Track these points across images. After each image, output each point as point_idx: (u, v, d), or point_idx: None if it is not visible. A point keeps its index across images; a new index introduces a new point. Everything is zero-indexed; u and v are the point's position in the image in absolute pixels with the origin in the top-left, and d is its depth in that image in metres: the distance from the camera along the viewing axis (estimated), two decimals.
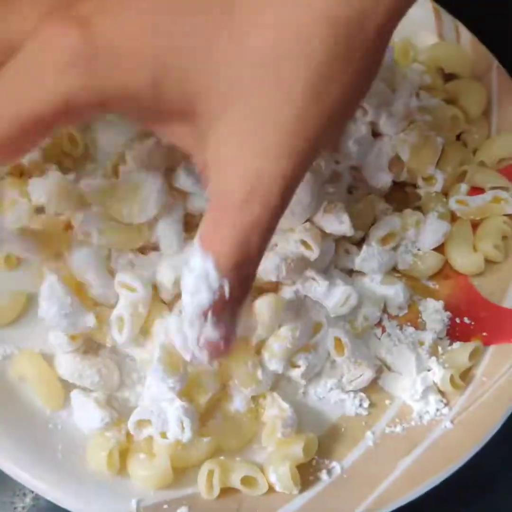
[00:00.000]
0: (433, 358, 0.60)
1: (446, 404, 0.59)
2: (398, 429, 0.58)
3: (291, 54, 0.38)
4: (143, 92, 0.39)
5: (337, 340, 0.58)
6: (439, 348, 0.61)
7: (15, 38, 0.41)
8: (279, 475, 0.54)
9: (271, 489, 0.55)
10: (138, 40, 0.38)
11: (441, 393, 0.59)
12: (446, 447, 0.57)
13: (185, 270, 0.44)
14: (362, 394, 0.59)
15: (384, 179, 0.62)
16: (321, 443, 0.57)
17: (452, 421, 0.58)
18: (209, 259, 0.42)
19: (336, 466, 0.57)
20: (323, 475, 0.56)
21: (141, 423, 0.54)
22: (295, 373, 0.57)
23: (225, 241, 0.41)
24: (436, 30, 0.70)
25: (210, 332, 0.45)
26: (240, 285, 0.43)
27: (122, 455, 0.55)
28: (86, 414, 0.55)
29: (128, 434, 0.55)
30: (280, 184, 0.40)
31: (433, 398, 0.59)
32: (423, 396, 0.59)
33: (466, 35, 0.70)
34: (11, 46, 0.41)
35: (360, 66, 0.39)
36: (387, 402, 0.60)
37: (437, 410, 0.59)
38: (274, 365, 0.57)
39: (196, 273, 0.43)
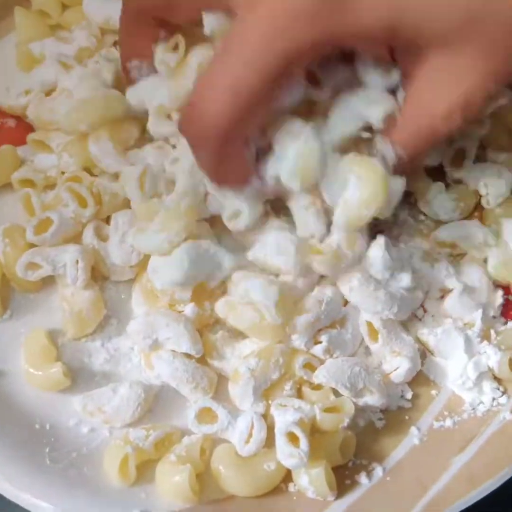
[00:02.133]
0: (485, 341, 0.51)
1: (504, 392, 0.50)
2: (448, 423, 0.50)
3: None
4: (377, 34, 0.43)
5: (370, 325, 0.50)
6: (491, 331, 0.52)
7: None
8: (312, 478, 0.45)
9: (302, 495, 0.46)
10: None
11: (497, 380, 0.50)
12: (506, 442, 0.48)
13: None
14: (404, 384, 0.51)
15: None
16: (358, 442, 0.49)
17: None
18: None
19: (377, 468, 0.48)
20: (362, 478, 0.47)
21: (203, 413, 0.47)
22: (317, 349, 0.49)
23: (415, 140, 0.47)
24: None
25: None
26: None
27: (142, 465, 0.46)
28: None
29: (157, 444, 0.47)
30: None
31: (488, 385, 0.50)
32: (476, 383, 0.50)
33: None
34: None
35: None
36: (433, 392, 0.51)
37: (493, 399, 0.50)
38: (296, 340, 0.48)
39: None
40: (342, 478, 0.47)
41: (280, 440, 0.45)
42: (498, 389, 0.50)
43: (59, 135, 0.55)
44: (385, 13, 0.42)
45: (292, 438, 0.45)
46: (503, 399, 0.50)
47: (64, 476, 0.46)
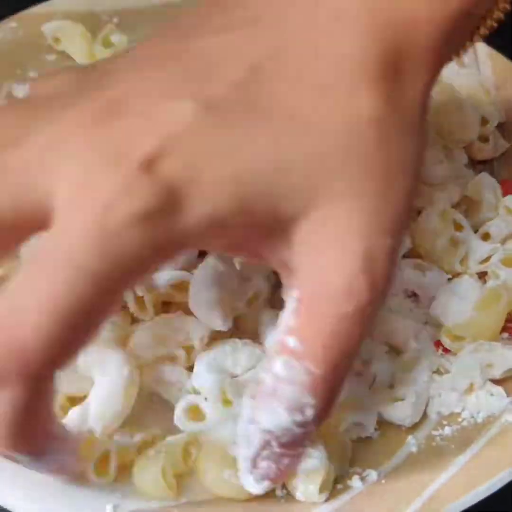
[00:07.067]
0: None
1: (505, 397, 0.47)
2: (447, 431, 0.47)
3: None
4: (230, 217, 0.34)
5: None
6: None
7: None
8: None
9: (290, 499, 0.43)
10: (217, 168, 0.34)
11: (497, 381, 0.48)
12: (508, 443, 0.45)
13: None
14: None
15: None
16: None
17: None
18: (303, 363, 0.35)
19: (371, 473, 0.45)
20: (355, 482, 0.44)
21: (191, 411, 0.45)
22: None
23: (325, 344, 0.35)
24: None
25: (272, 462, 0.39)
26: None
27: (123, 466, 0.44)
28: None
29: (140, 447, 0.44)
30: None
31: (483, 393, 0.47)
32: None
33: (482, 47, 0.66)
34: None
35: None
36: None
37: (493, 405, 0.47)
38: None
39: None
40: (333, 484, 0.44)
41: None
42: (498, 394, 0.47)
43: None
44: (233, 188, 0.34)
45: None
46: (503, 403, 0.47)
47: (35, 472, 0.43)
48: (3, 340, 0.31)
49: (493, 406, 0.47)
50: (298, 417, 0.36)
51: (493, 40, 0.66)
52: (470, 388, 0.47)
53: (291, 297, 0.36)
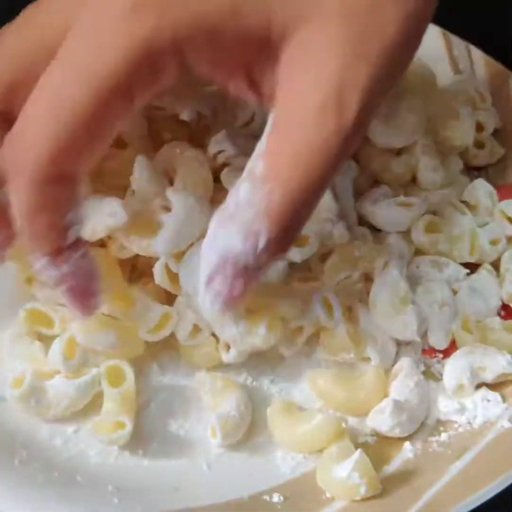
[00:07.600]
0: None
1: (500, 402, 0.47)
2: (443, 437, 0.47)
3: None
4: (222, 19, 0.35)
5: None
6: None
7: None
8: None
9: (287, 506, 0.43)
10: None
11: (491, 386, 0.48)
12: (505, 449, 0.45)
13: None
14: None
15: None
16: None
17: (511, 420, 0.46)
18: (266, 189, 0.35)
19: None
20: None
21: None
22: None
23: (290, 165, 0.35)
24: (447, 54, 0.67)
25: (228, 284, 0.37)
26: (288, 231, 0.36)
27: None
28: None
29: None
30: (360, 99, 0.35)
31: (479, 397, 0.47)
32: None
33: (477, 53, 0.67)
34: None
35: None
36: None
37: (489, 410, 0.47)
38: None
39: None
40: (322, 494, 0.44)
41: None
42: (494, 400, 0.47)
43: None
44: None
45: None
46: (499, 410, 0.47)
47: (33, 478, 0.43)
48: (21, 134, 0.35)
49: (490, 412, 0.47)
50: (251, 243, 0.35)
51: (488, 46, 0.67)
52: (460, 388, 0.47)
53: (269, 123, 0.36)
